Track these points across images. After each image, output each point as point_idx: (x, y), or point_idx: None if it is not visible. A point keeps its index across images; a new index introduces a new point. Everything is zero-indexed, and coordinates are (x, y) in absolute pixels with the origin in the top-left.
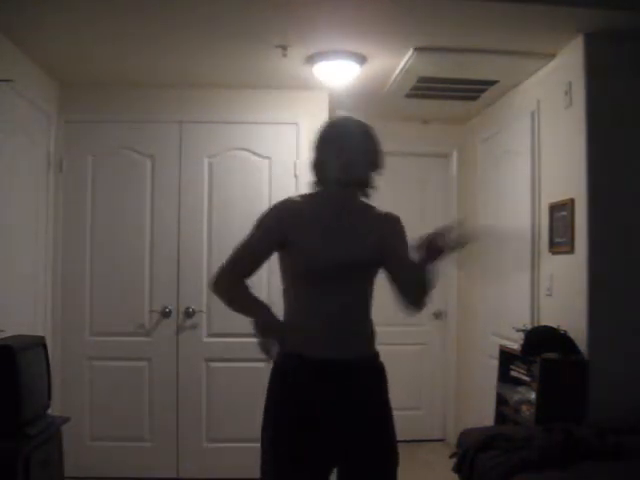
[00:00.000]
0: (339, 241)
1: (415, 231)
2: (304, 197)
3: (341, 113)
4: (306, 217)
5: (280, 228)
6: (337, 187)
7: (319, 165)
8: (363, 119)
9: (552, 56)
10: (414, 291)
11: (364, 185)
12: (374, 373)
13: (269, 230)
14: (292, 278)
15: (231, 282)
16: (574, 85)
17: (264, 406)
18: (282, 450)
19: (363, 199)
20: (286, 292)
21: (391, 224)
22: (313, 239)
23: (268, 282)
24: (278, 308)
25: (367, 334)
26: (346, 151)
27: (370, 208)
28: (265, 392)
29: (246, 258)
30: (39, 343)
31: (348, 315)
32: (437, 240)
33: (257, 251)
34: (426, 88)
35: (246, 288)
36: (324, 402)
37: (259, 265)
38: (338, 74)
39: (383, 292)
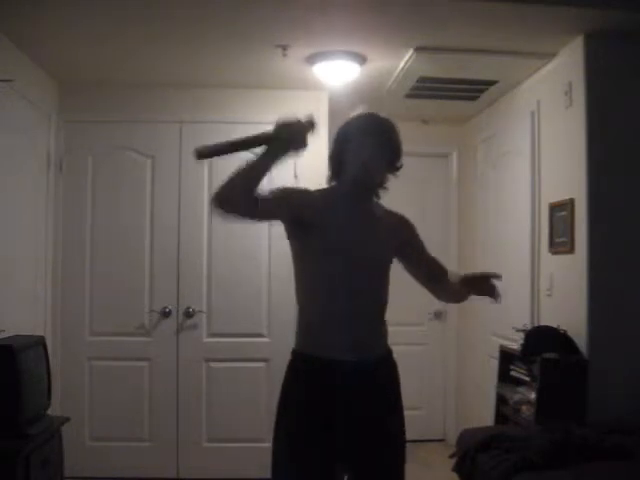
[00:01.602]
0: (361, 236)
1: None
2: (322, 191)
3: (365, 109)
4: (329, 206)
5: (302, 203)
6: (353, 186)
7: (337, 161)
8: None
9: (552, 56)
10: (446, 298)
11: (379, 187)
12: (390, 372)
13: (290, 195)
14: (312, 269)
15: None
16: (574, 85)
17: (280, 406)
18: (298, 451)
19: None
20: (302, 294)
21: (409, 228)
22: (336, 227)
23: (268, 290)
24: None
25: (384, 333)
26: (367, 151)
27: (380, 207)
28: (266, 392)
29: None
30: (39, 343)
31: (368, 316)
32: (484, 282)
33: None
34: (426, 88)
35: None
36: (343, 402)
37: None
38: (338, 74)
39: None
